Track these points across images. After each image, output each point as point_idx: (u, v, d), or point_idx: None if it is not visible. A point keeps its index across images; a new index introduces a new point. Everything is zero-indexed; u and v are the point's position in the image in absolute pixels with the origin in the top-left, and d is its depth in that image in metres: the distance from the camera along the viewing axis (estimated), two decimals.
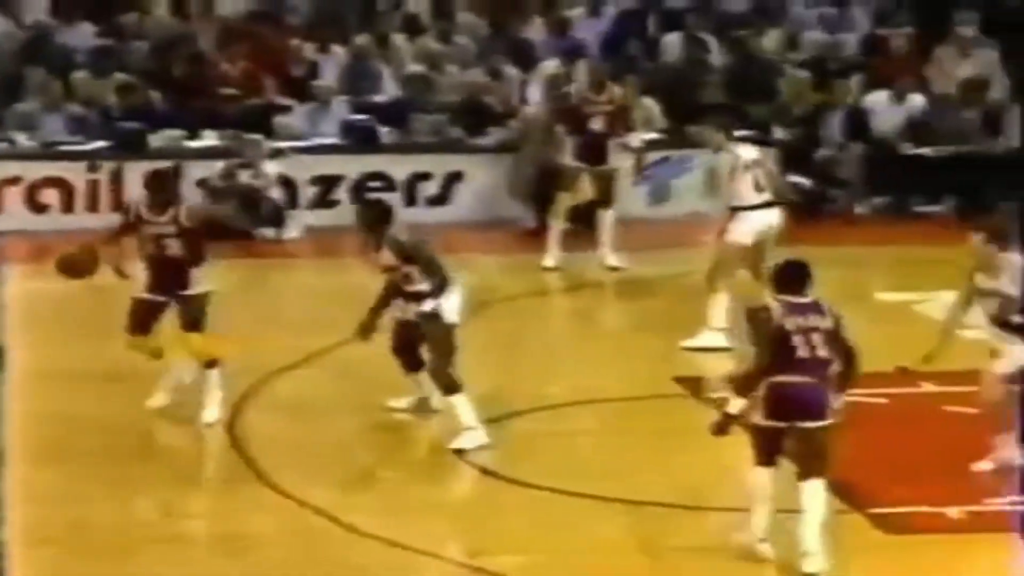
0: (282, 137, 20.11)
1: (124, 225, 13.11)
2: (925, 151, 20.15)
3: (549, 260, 17.82)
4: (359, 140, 20.23)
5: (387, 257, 12.62)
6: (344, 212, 19.69)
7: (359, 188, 19.86)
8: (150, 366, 13.23)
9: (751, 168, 14.93)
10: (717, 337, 14.85)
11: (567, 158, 17.75)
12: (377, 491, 12.29)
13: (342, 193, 19.89)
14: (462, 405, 12.62)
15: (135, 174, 19.69)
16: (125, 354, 13.04)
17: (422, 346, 12.86)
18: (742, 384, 10.50)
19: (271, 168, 19.61)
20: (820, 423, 10.51)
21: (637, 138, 17.96)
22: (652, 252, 18.24)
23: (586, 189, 18.54)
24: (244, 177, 19.49)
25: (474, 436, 12.60)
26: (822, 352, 10.38)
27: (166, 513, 12.11)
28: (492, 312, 16.78)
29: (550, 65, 20.59)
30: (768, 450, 10.52)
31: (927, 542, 11.49)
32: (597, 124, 17.62)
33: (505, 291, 17.38)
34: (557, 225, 17.90)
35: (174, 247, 12.80)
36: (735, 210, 14.88)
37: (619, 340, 15.95)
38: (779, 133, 20.20)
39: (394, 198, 19.85)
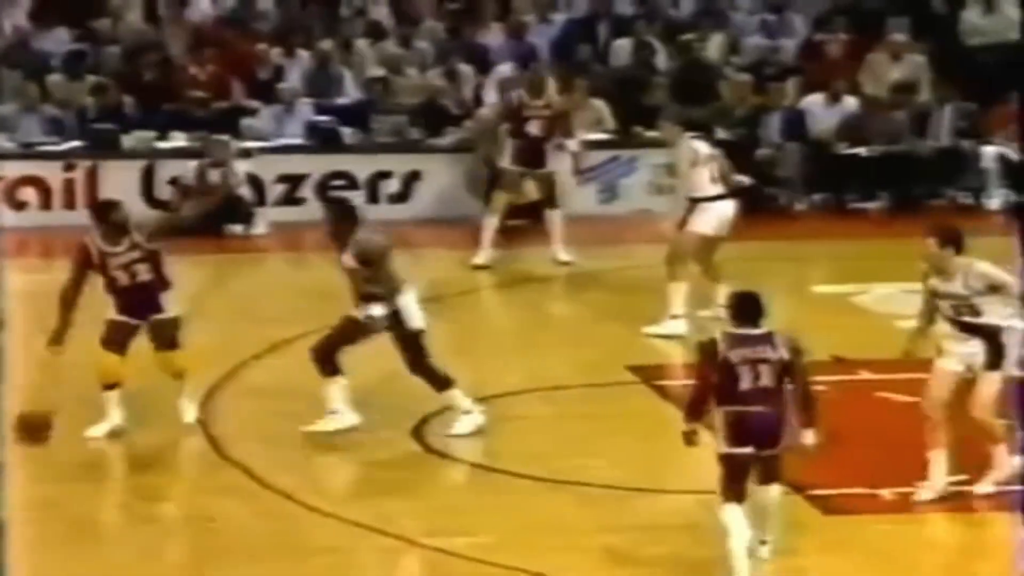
0: (249, 138, 20.05)
1: (77, 272, 12.47)
2: (859, 150, 20.19)
3: (480, 258, 17.55)
4: (323, 140, 20.19)
5: (348, 260, 12.39)
6: (309, 209, 19.66)
7: (323, 186, 19.82)
8: None
9: (708, 161, 14.97)
10: (678, 324, 14.83)
11: (506, 160, 17.63)
12: (340, 474, 12.26)
13: (307, 191, 19.86)
14: (458, 397, 12.51)
15: (109, 173, 19.69)
16: (96, 345, 12.84)
17: (344, 350, 12.52)
18: (687, 410, 10.41)
19: (240, 167, 19.55)
20: (777, 450, 10.32)
21: (576, 141, 17.87)
22: (602, 247, 18.24)
23: (531, 189, 18.57)
24: (215, 176, 19.43)
25: (471, 420, 12.55)
26: (767, 382, 10.13)
27: (139, 496, 12.06)
28: (450, 304, 16.74)
29: (504, 69, 20.55)
30: (738, 479, 10.21)
31: (863, 522, 11.50)
32: (534, 128, 17.47)
33: (463, 285, 17.35)
34: (491, 224, 17.60)
35: (143, 272, 12.39)
36: (695, 201, 14.84)
37: (572, 331, 15.93)
38: (721, 133, 20.18)
39: (357, 196, 19.85)
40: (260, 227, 19.46)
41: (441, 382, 12.47)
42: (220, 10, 21.49)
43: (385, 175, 19.91)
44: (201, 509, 11.79)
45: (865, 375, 14.02)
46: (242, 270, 18.73)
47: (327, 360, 12.52)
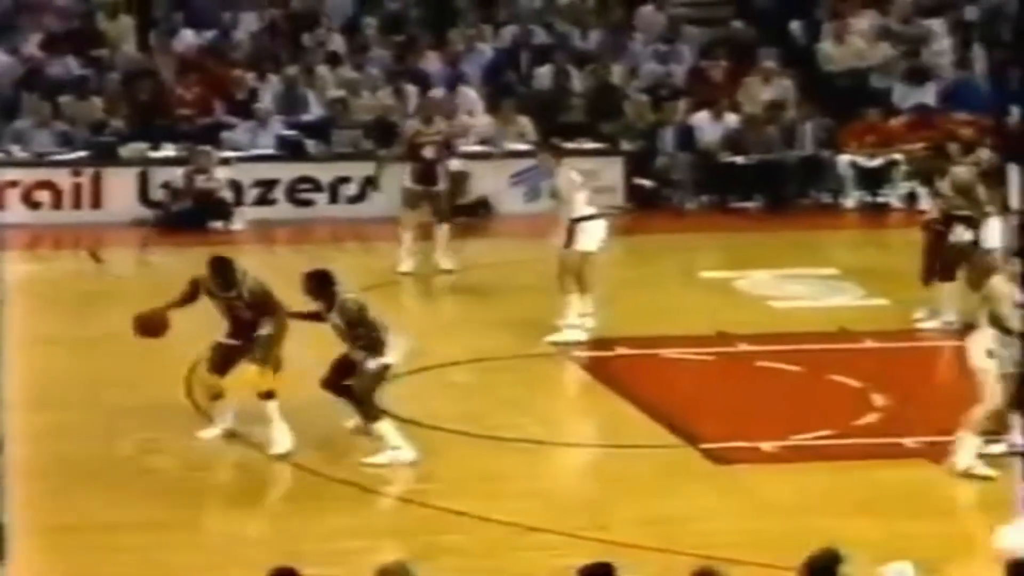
0: (228, 148, 19.86)
1: (187, 294, 11.93)
2: (738, 159, 20.17)
3: (404, 266, 16.65)
4: (291, 151, 20.02)
5: (336, 319, 11.57)
6: (279, 209, 19.54)
7: (292, 189, 19.68)
8: (125, 332, 12.63)
9: (582, 186, 14.33)
10: (577, 332, 14.08)
11: (407, 181, 17.06)
12: (309, 432, 12.08)
13: (278, 193, 19.69)
14: (387, 430, 11.48)
15: (109, 178, 19.49)
16: (107, 322, 12.59)
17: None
18: None
19: (221, 173, 19.38)
20: None
21: (459, 161, 17.53)
22: (527, 240, 18.10)
23: (472, 190, 18.38)
24: (199, 181, 19.27)
25: (398, 455, 11.44)
26: None
27: (142, 451, 11.90)
28: (400, 289, 16.65)
29: (441, 91, 20.43)
30: None
31: (745, 470, 11.49)
32: (429, 152, 17.04)
33: (411, 272, 17.17)
34: (406, 238, 16.66)
35: (244, 312, 11.81)
36: (575, 222, 14.15)
37: (499, 310, 15.76)
38: (625, 145, 20.18)
39: (320, 197, 19.75)
40: (238, 224, 19.27)
41: (374, 417, 11.51)
42: (202, 41, 21.24)
43: (344, 180, 19.73)
44: (191, 462, 11.66)
45: (744, 347, 14.00)
46: None
47: (337, 388, 11.79)
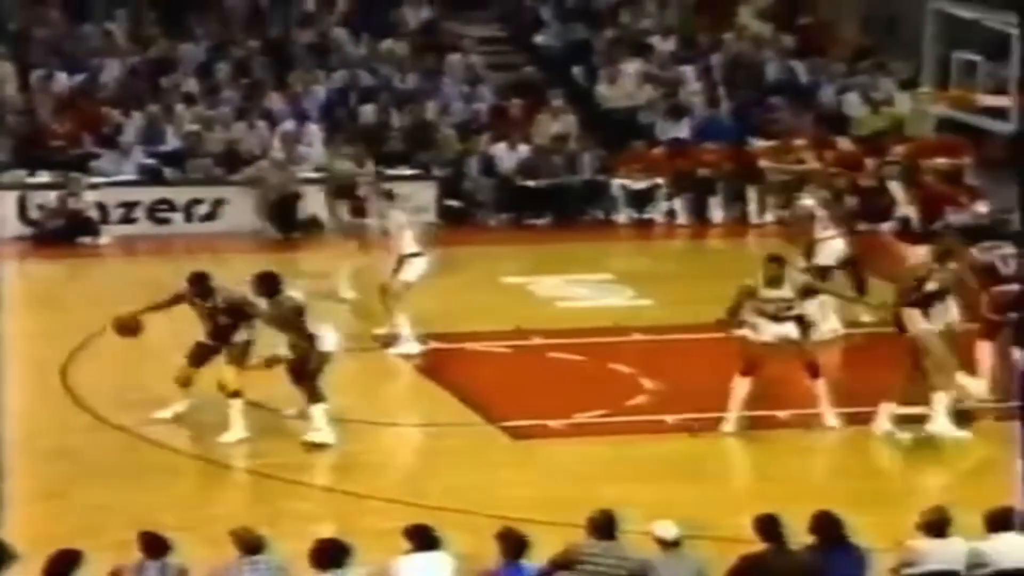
0: (96, 175, 19.51)
1: (171, 300, 11.81)
2: (531, 183, 20.34)
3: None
4: (151, 177, 19.72)
5: (278, 315, 11.53)
6: (140, 227, 19.22)
7: (152, 210, 19.35)
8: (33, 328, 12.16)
9: (408, 226, 14.18)
10: (412, 345, 13.80)
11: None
12: (182, 416, 11.90)
13: (139, 213, 19.35)
14: (320, 416, 11.35)
15: None
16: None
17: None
18: None
19: (89, 196, 19.03)
20: None
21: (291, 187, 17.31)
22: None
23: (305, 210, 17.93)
24: (71, 202, 18.93)
25: (325, 435, 11.37)
26: None
27: (20, 435, 11.56)
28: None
29: (287, 125, 20.29)
30: None
31: (538, 444, 11.62)
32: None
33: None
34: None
35: (222, 319, 11.64)
36: (402, 257, 13.98)
37: (330, 310, 15.46)
38: (437, 171, 20.23)
39: (177, 216, 19.46)
40: (104, 239, 18.95)
41: (317, 398, 11.44)
42: (75, 83, 20.81)
43: (198, 201, 19.48)
44: (67, 443, 11.41)
45: (537, 340, 14.13)
46: (91, 270, 18.29)
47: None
